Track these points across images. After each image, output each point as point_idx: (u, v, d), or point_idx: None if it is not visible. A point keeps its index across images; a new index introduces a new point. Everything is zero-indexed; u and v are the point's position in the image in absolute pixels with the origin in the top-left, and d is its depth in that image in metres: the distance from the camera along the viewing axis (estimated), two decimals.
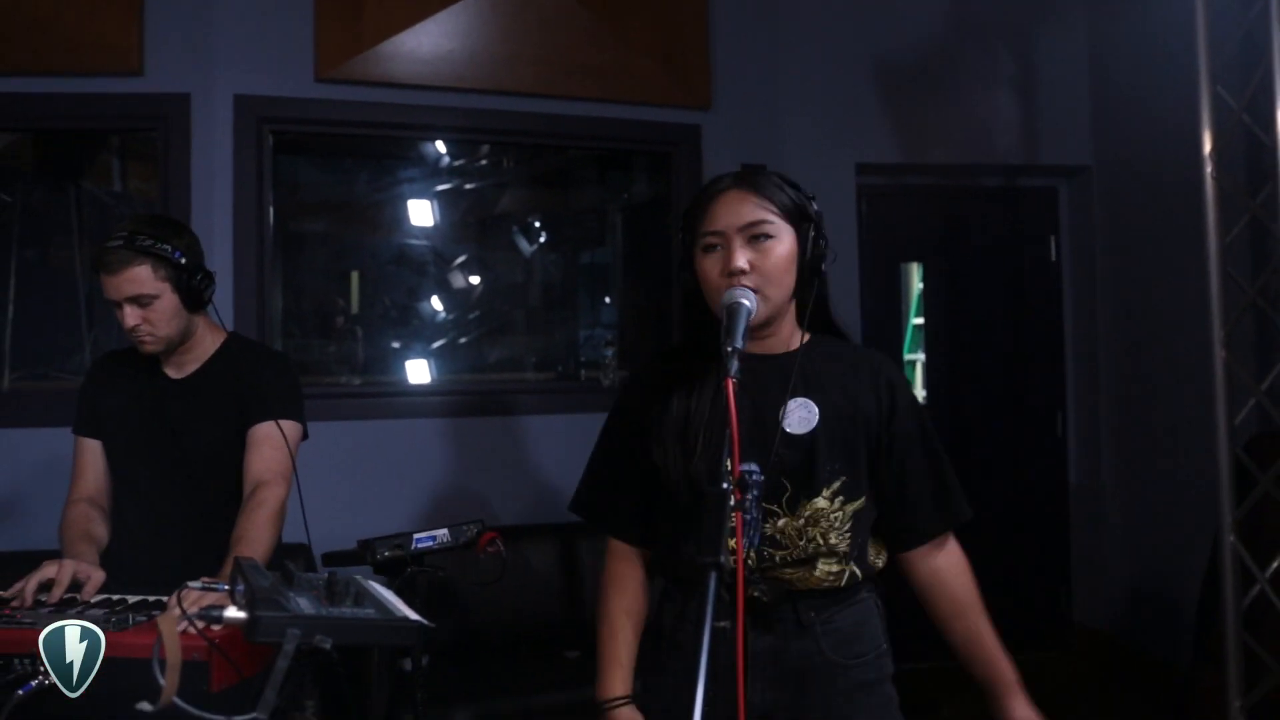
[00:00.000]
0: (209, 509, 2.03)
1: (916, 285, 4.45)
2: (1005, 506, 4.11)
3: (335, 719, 1.75)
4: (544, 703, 2.80)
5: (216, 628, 1.10)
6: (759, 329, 1.43)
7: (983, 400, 4.23)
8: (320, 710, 1.27)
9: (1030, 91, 4.18)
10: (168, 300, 1.95)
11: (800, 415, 1.44)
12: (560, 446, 3.61)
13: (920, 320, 4.44)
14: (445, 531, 1.87)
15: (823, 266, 1.48)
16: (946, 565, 1.54)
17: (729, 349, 1.26)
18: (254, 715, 0.98)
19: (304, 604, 1.06)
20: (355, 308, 4.41)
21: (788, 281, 1.44)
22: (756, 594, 1.42)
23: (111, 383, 2.13)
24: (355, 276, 4.49)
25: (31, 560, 2.69)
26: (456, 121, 3.64)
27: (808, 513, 1.43)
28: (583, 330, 4.45)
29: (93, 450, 2.11)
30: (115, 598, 1.71)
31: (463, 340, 4.37)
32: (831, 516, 1.43)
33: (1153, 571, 3.94)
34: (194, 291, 1.98)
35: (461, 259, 4.46)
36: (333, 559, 1.94)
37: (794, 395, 1.44)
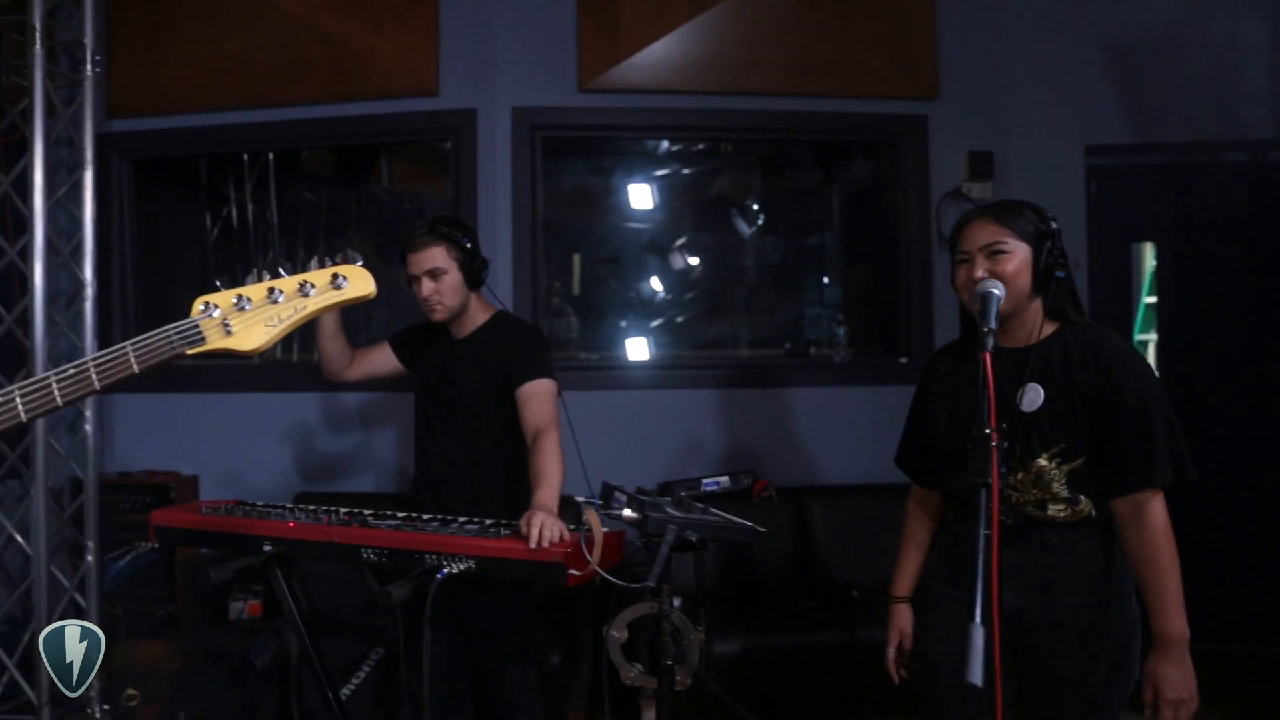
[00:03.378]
0: (481, 445, 2.56)
1: (1149, 264, 4.41)
2: (1243, 493, 4.03)
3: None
4: (788, 641, 3.15)
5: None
6: (1002, 323, 1.81)
7: (1218, 381, 4.15)
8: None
9: None
10: (454, 276, 2.51)
11: (1030, 397, 1.82)
12: (795, 417, 3.93)
13: (1152, 299, 4.40)
14: (726, 478, 2.23)
15: (1059, 273, 1.83)
16: (1141, 519, 1.78)
17: (984, 329, 1.67)
18: (646, 583, 1.37)
19: (673, 511, 1.44)
20: (578, 288, 4.87)
21: (1021, 285, 1.83)
22: (1006, 519, 1.77)
23: (430, 338, 2.71)
24: (576, 259, 4.93)
25: (346, 501, 3.28)
26: (698, 122, 4.02)
27: (1034, 469, 1.81)
28: (808, 310, 4.71)
29: (384, 349, 2.77)
30: (476, 519, 2.20)
31: (680, 319, 4.73)
32: (1052, 473, 1.80)
33: None
34: (474, 272, 2.54)
35: (681, 241, 4.82)
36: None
37: (1034, 378, 1.82)
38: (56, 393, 1.19)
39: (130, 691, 3.45)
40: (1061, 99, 4.00)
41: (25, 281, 3.40)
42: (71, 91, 3.59)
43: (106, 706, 3.43)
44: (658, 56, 3.89)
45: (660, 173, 4.68)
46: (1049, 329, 1.87)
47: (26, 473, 3.44)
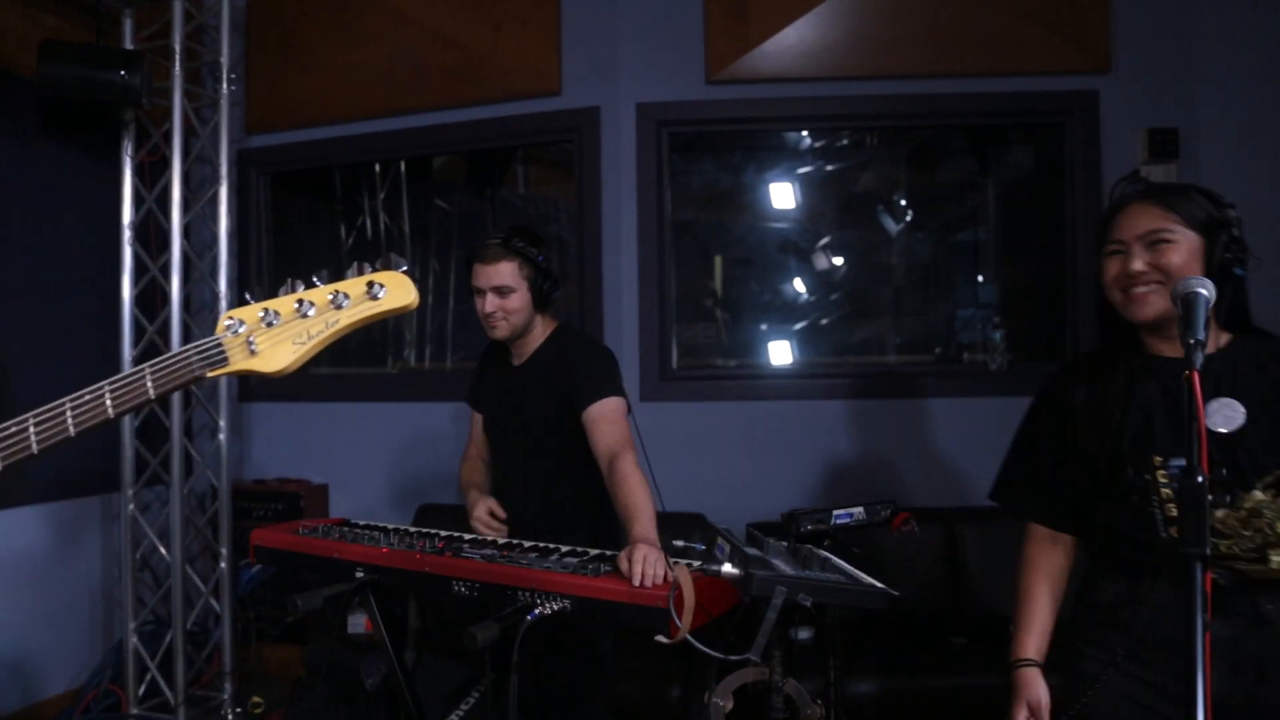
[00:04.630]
0: (550, 471, 2.36)
1: None
2: None
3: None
4: (935, 684, 2.81)
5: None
6: (1163, 329, 1.54)
7: None
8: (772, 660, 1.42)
9: None
10: (522, 295, 2.31)
11: (1225, 414, 1.43)
12: (945, 431, 3.57)
13: None
14: (861, 509, 1.96)
15: (1238, 270, 1.52)
16: None
17: (1191, 341, 1.28)
18: (748, 656, 1.14)
19: (784, 566, 1.20)
20: (720, 291, 4.64)
21: None
22: (1215, 577, 1.43)
23: (487, 369, 2.58)
24: (718, 261, 4.71)
25: (462, 514, 3.23)
26: (834, 110, 3.71)
27: (1248, 505, 1.46)
28: (960, 311, 4.31)
29: (477, 421, 2.62)
30: (579, 550, 2.01)
31: (825, 321, 4.43)
32: (1271, 510, 1.45)
33: None
34: (543, 293, 2.33)
35: (825, 240, 4.51)
36: (757, 529, 2.11)
37: (1217, 395, 1.45)
38: (70, 422, 1.08)
39: (255, 699, 3.49)
40: (1264, 59, 3.46)
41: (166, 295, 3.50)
42: (211, 111, 3.68)
43: (239, 709, 3.48)
44: (791, 42, 3.61)
45: (801, 169, 4.39)
46: (1222, 338, 1.55)
47: (169, 479, 3.53)
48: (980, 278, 4.34)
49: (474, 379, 2.65)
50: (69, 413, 1.08)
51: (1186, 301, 1.35)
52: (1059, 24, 3.53)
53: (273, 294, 1.13)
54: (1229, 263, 1.51)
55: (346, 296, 1.12)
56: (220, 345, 1.11)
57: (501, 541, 2.12)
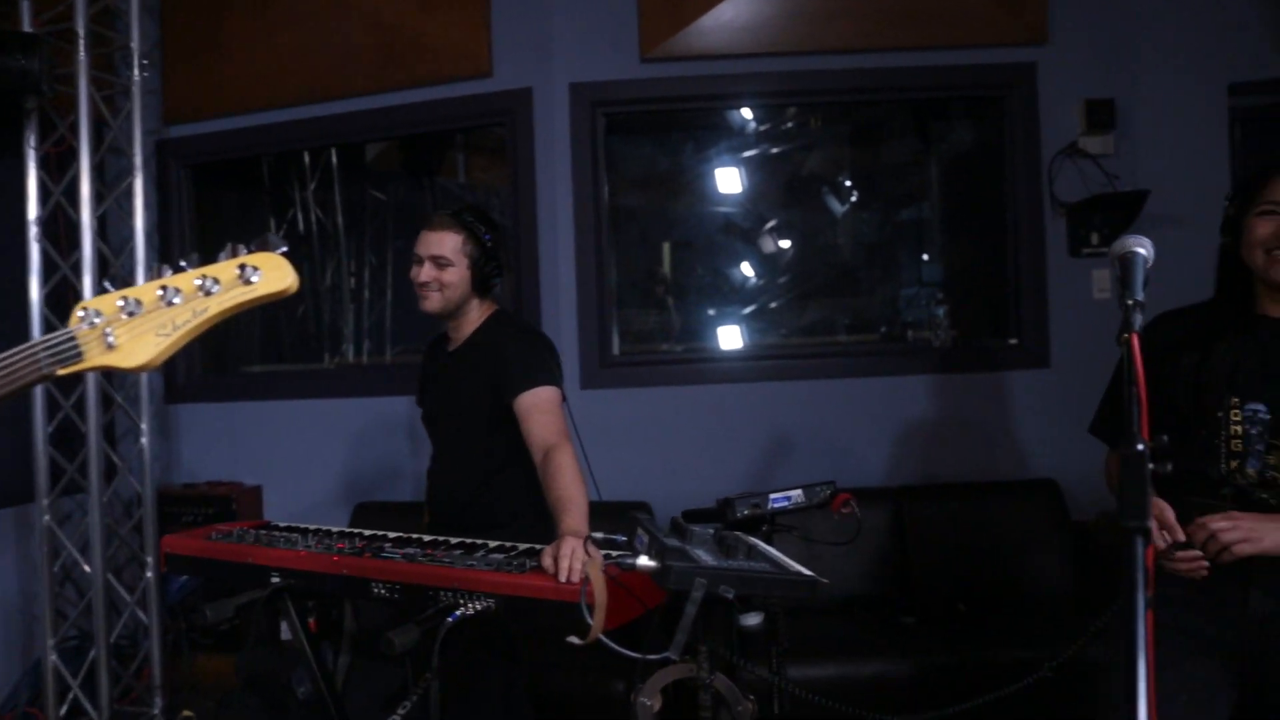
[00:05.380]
0: (483, 463, 2.24)
1: None
2: None
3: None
4: (885, 667, 2.76)
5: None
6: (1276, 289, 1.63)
7: None
8: (709, 656, 1.34)
9: None
10: (460, 272, 2.22)
11: None
12: (892, 409, 3.53)
13: None
14: (800, 492, 1.89)
15: None
16: None
17: (1129, 302, 1.24)
18: (666, 654, 1.06)
19: (705, 556, 1.12)
20: (669, 277, 4.57)
21: None
22: (1265, 495, 1.58)
23: (429, 359, 2.48)
24: (666, 247, 4.64)
25: (406, 509, 3.09)
26: (774, 87, 3.64)
27: None
28: (904, 290, 4.28)
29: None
30: (507, 545, 1.92)
31: (774, 305, 4.38)
32: None
33: None
34: (484, 275, 2.24)
35: (772, 224, 4.46)
36: (693, 516, 2.03)
37: None
38: None
39: (186, 713, 3.34)
40: (1198, 31, 3.46)
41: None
42: (124, 99, 3.49)
43: None
44: (726, 17, 3.53)
45: (746, 152, 4.32)
46: None
47: (88, 487, 3.36)
48: (925, 256, 4.31)
49: (420, 376, 2.54)
50: None
51: (1125, 261, 1.34)
52: None
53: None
54: None
55: (216, 282, 1.01)
56: (73, 339, 0.99)
57: (427, 539, 2.01)
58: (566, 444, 2.03)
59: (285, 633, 2.97)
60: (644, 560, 1.11)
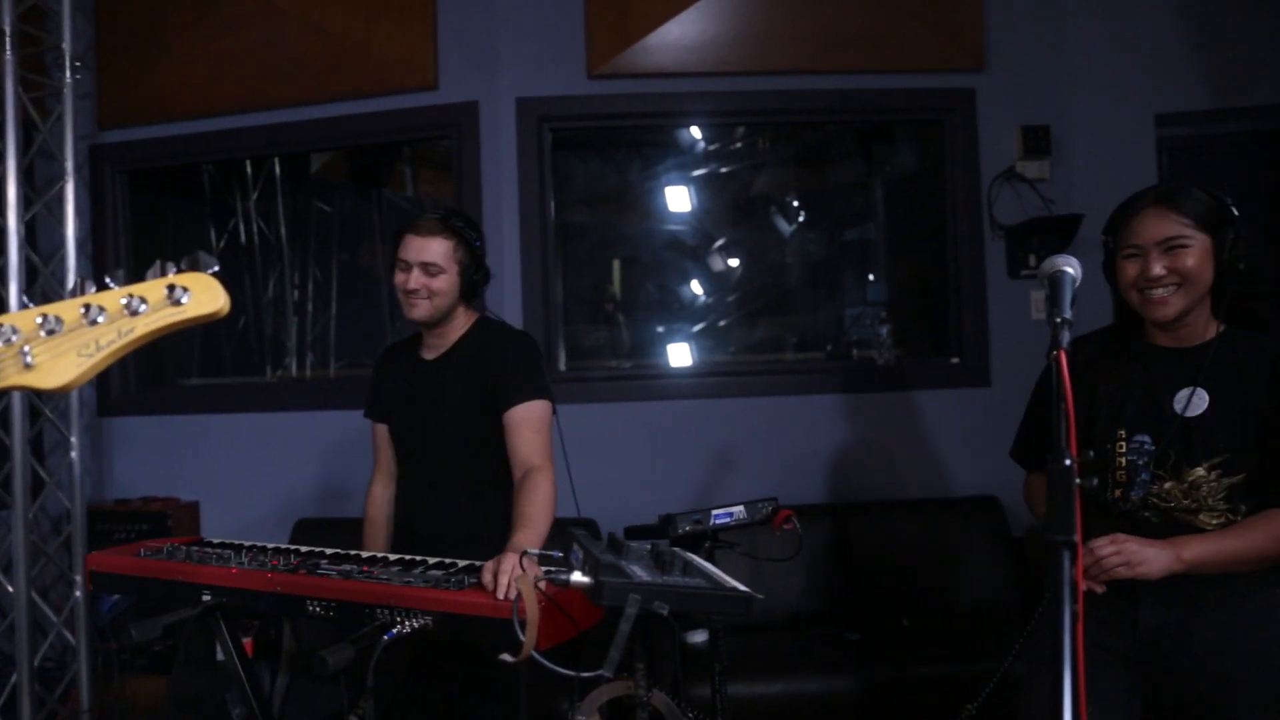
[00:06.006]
0: (469, 479, 2.18)
1: None
2: None
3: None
4: (829, 683, 2.77)
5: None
6: (1172, 324, 1.66)
7: None
8: (646, 675, 1.34)
9: None
10: (450, 279, 2.15)
11: (1194, 402, 1.62)
12: (836, 426, 3.56)
13: None
14: (742, 508, 1.90)
15: (1241, 265, 1.63)
16: None
17: (1057, 320, 1.28)
18: (599, 672, 1.05)
19: (640, 572, 1.11)
20: (619, 294, 4.57)
21: (1203, 282, 1.63)
22: (1148, 514, 1.64)
23: (388, 370, 2.38)
24: (616, 264, 4.65)
25: (348, 526, 3.01)
26: (721, 106, 3.68)
27: (1190, 479, 1.62)
28: (850, 309, 4.34)
29: (381, 433, 2.38)
30: (447, 561, 1.89)
31: (723, 323, 4.41)
32: (1209, 485, 1.62)
33: None
34: (472, 282, 2.19)
35: (720, 242, 4.49)
36: (635, 533, 2.03)
37: (1192, 382, 1.63)
38: None
39: None
40: (1127, 62, 3.58)
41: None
42: (56, 102, 3.40)
43: None
44: (673, 36, 3.57)
45: (695, 172, 4.35)
46: (1212, 328, 1.69)
47: (11, 502, 3.25)
48: (870, 276, 4.38)
49: (372, 388, 2.41)
50: None
51: (1053, 280, 1.39)
52: (936, 22, 3.58)
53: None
54: (1235, 259, 1.62)
55: (144, 302, 0.96)
56: None
57: (365, 556, 1.98)
58: (549, 468, 2.00)
59: (220, 653, 2.90)
60: (578, 576, 1.10)
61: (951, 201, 3.63)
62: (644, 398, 3.65)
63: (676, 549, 1.23)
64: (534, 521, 1.86)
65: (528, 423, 2.07)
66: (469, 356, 2.20)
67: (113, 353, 0.97)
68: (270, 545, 2.14)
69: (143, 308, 0.97)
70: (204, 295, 0.97)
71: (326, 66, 3.67)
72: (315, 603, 1.74)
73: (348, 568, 1.83)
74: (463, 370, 2.19)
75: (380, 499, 2.36)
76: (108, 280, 1.00)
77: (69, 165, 3.36)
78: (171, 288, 0.97)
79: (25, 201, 3.26)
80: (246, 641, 3.10)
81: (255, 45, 3.72)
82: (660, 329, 4.41)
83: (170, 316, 0.97)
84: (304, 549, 2.06)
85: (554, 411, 2.17)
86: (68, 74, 3.36)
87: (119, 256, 3.89)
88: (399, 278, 2.16)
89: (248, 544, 2.15)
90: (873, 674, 2.79)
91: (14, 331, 0.96)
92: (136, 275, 1.03)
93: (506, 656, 1.09)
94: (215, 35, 3.75)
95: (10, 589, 3.19)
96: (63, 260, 3.37)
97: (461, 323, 2.25)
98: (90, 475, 3.51)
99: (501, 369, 2.13)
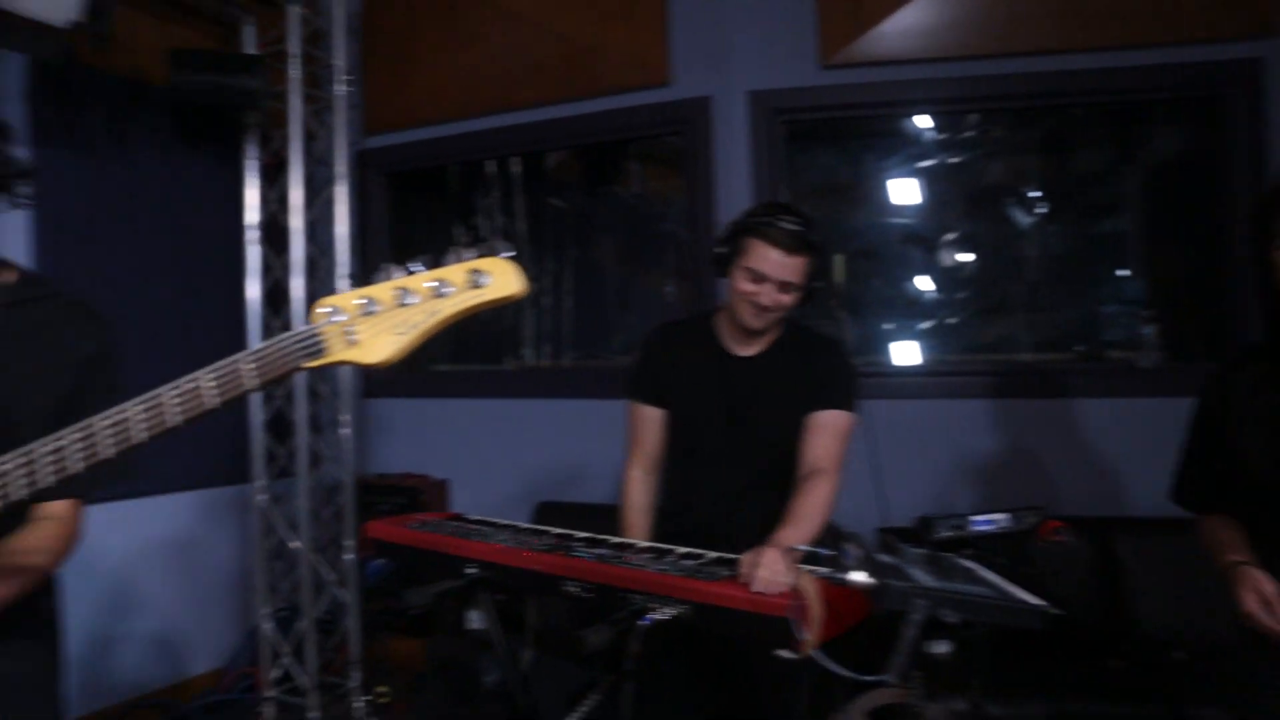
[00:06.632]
0: (762, 480, 2.16)
1: None
2: None
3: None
4: (1092, 710, 2.57)
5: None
6: None
7: None
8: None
9: None
10: (799, 296, 2.11)
11: None
12: (1092, 433, 3.31)
13: None
14: (1006, 516, 1.81)
15: None
16: None
17: None
18: (883, 677, 1.03)
19: (923, 576, 1.08)
20: (844, 288, 4.45)
21: None
22: None
23: (672, 354, 2.30)
24: (839, 260, 4.52)
25: (590, 512, 3.08)
26: (958, 92, 3.51)
27: None
28: (1102, 306, 4.01)
29: (651, 417, 2.30)
30: (696, 551, 1.92)
31: (952, 320, 4.20)
32: None
33: None
34: (810, 294, 2.14)
35: (952, 236, 4.28)
36: (891, 534, 1.98)
37: None
38: (177, 411, 1.05)
39: (380, 688, 3.55)
40: None
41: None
42: (329, 113, 3.77)
43: (366, 698, 3.55)
44: (909, 21, 3.43)
45: (925, 162, 4.17)
46: None
47: (296, 472, 3.65)
48: (1124, 270, 4.03)
49: (645, 369, 2.33)
50: (173, 401, 1.06)
51: None
52: None
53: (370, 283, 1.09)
54: None
55: (449, 285, 1.06)
56: (317, 335, 1.06)
57: (614, 541, 2.05)
58: (836, 475, 1.98)
59: (472, 622, 3.11)
60: (859, 575, 1.09)
61: (1232, 188, 3.27)
62: (874, 396, 3.53)
63: (953, 555, 1.19)
64: (804, 520, 1.85)
65: (832, 428, 2.05)
66: (788, 360, 2.17)
67: (424, 331, 1.06)
68: (523, 525, 2.26)
69: (448, 290, 1.05)
70: (503, 278, 1.05)
71: (561, 69, 3.84)
72: (572, 583, 1.82)
73: (601, 551, 1.91)
74: (782, 373, 2.16)
75: (641, 483, 2.30)
76: (410, 267, 1.09)
77: (341, 169, 3.71)
78: (474, 271, 1.05)
79: (306, 203, 3.64)
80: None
81: (497, 53, 3.96)
82: (887, 326, 4.27)
83: (474, 298, 1.05)
84: (555, 530, 2.17)
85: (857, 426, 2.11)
86: (339, 87, 3.70)
87: (381, 249, 4.27)
88: (746, 286, 2.08)
89: (503, 522, 2.29)
90: (1135, 707, 2.56)
91: (338, 312, 1.07)
92: (434, 265, 1.12)
93: (786, 653, 1.09)
94: (462, 47, 4.04)
95: (295, 545, 3.59)
96: (333, 254, 3.72)
97: (777, 325, 2.20)
98: (357, 450, 3.87)
99: (824, 374, 2.11)
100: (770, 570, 1.57)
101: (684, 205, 3.78)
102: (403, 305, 1.05)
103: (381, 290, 1.06)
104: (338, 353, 1.06)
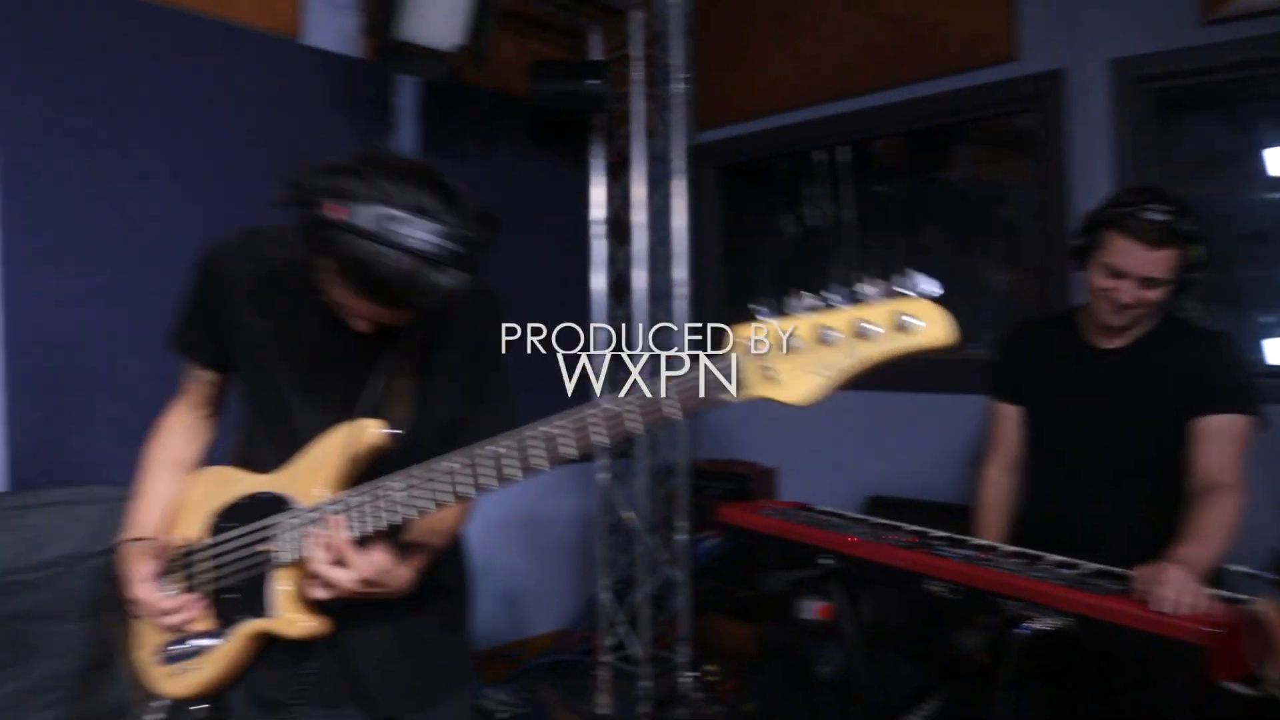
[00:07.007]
0: (1128, 480, 1.99)
1: None
2: None
3: None
4: None
5: None
6: None
7: None
8: None
9: None
10: (1165, 291, 1.92)
11: None
12: None
13: None
14: None
15: None
16: None
17: None
18: None
19: None
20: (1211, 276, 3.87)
21: None
22: None
23: (1032, 351, 2.20)
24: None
25: (926, 509, 2.95)
26: None
27: None
28: None
29: (1009, 416, 2.22)
30: (1070, 560, 1.80)
31: None
32: None
33: None
34: (1180, 287, 1.94)
35: None
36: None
37: None
38: (597, 434, 1.12)
39: (709, 667, 3.70)
40: None
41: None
42: (665, 111, 3.96)
43: (695, 674, 3.72)
44: None
45: None
46: None
47: (635, 454, 3.90)
48: None
49: (1005, 368, 2.26)
50: (591, 426, 1.12)
51: None
52: None
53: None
54: None
55: (874, 326, 0.99)
56: (737, 369, 1.04)
57: (975, 542, 1.98)
58: (1240, 487, 1.79)
59: (804, 613, 3.15)
60: None
61: None
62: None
63: None
64: (1208, 538, 1.69)
65: (1228, 434, 1.86)
66: (1163, 355, 1.99)
67: (845, 374, 1.01)
68: (873, 519, 2.24)
69: (872, 331, 0.99)
70: (933, 326, 0.97)
71: (897, 51, 3.73)
72: (935, 582, 1.78)
73: (965, 552, 1.85)
74: (1153, 367, 1.99)
75: (999, 484, 2.22)
76: (826, 297, 1.04)
77: (679, 165, 3.90)
78: (900, 315, 0.99)
79: (647, 198, 3.86)
80: (824, 608, 3.33)
81: (829, 41, 3.93)
82: (1267, 319, 3.68)
83: (899, 344, 0.98)
84: (910, 526, 2.13)
85: (1264, 428, 1.90)
86: (677, 84, 3.87)
87: (713, 240, 4.42)
88: (1103, 282, 1.96)
89: (851, 515, 2.28)
90: None
91: (760, 344, 1.04)
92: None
93: (1239, 686, 0.98)
94: (792, 38, 4.05)
95: (634, 526, 3.84)
96: (669, 247, 3.91)
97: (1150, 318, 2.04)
98: (690, 437, 4.04)
99: (1207, 374, 1.92)
100: (1176, 590, 1.44)
101: (1022, 189, 3.52)
102: (823, 343, 1.01)
103: (804, 324, 1.02)
104: (755, 388, 1.04)
